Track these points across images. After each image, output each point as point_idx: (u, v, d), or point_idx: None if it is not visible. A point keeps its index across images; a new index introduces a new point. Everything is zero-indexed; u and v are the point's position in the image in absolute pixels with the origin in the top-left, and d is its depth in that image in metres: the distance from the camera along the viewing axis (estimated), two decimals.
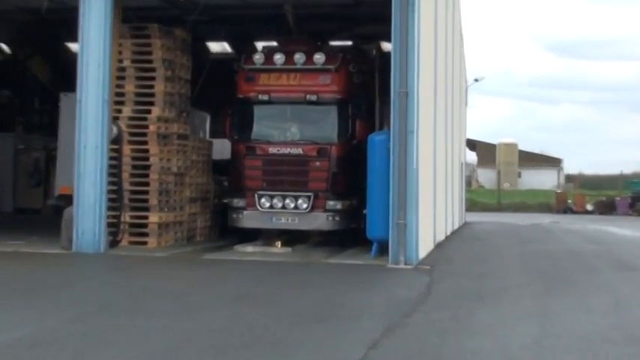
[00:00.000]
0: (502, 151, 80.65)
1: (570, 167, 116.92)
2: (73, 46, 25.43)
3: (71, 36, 20.81)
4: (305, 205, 19.92)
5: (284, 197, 20.01)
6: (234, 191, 20.79)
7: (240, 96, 20.65)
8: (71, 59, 21.69)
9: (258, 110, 20.76)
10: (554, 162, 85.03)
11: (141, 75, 20.37)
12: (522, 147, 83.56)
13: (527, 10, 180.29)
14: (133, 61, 20.30)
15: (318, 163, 20.09)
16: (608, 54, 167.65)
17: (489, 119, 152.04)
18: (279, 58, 20.26)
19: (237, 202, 20.41)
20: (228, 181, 22.03)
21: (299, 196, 19.95)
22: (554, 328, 10.90)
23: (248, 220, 20.30)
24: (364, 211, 18.60)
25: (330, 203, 19.97)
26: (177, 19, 21.75)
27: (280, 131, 20.75)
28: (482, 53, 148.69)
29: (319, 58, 20.12)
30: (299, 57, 20.12)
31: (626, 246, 25.08)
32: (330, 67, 20.16)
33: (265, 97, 20.40)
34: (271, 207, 20.05)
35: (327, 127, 20.46)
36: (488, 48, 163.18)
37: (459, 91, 31.29)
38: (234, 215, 20.47)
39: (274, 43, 22.45)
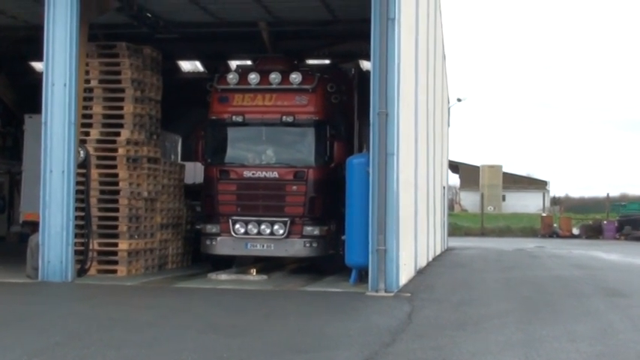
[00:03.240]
0: (486, 173, 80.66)
1: (556, 189, 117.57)
2: (38, 66, 25.02)
3: (36, 55, 20.40)
4: (281, 231, 19.54)
5: (259, 223, 19.64)
6: (208, 217, 20.37)
7: (213, 117, 20.27)
8: (36, 79, 21.20)
9: (231, 132, 20.37)
10: (539, 184, 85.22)
11: (109, 96, 20.02)
12: (507, 169, 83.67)
13: (511, 28, 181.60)
14: (101, 82, 19.97)
15: (294, 187, 19.71)
16: (595, 71, 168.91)
17: (472, 140, 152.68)
18: (253, 77, 19.92)
19: (211, 228, 20.01)
20: (201, 207, 21.59)
21: (275, 222, 19.58)
22: (538, 357, 10.64)
23: (221, 246, 19.88)
24: (343, 237, 18.13)
25: (308, 229, 19.62)
26: (146, 37, 21.36)
27: (255, 154, 20.32)
28: (465, 73, 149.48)
29: (295, 77, 19.80)
30: (274, 77, 19.81)
31: (613, 271, 24.97)
32: (307, 87, 19.80)
33: (239, 119, 20.00)
34: (246, 233, 19.69)
35: (304, 149, 20.10)
36: (471, 67, 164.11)
37: (440, 112, 31.09)
38: (208, 242, 20.05)
39: (249, 62, 22.03)
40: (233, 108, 20.00)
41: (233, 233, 19.67)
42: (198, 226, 21.16)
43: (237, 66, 21.98)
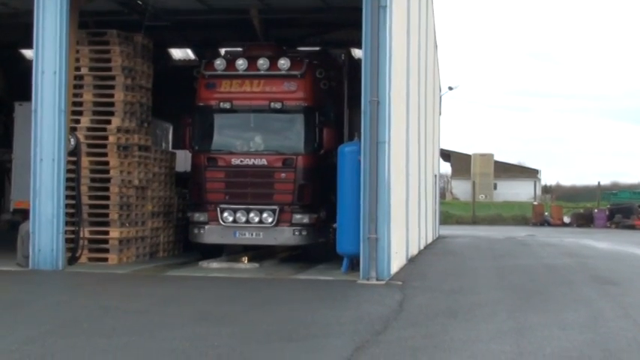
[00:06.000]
0: (477, 161, 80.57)
1: (547, 178, 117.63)
2: (28, 53, 24.86)
3: (26, 42, 20.25)
4: (270, 219, 19.34)
5: (248, 211, 19.42)
6: (196, 205, 20.16)
7: (201, 104, 20.03)
8: (26, 67, 21.07)
9: (219, 119, 20.14)
10: (530, 173, 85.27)
11: (99, 83, 19.89)
12: (498, 157, 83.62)
13: (505, 17, 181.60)
14: (91, 69, 19.84)
15: (283, 175, 19.52)
16: (586, 61, 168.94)
17: (464, 129, 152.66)
18: (241, 63, 19.67)
19: (199, 217, 19.82)
20: (189, 195, 21.40)
21: (264, 210, 19.37)
22: (529, 344, 10.63)
23: (210, 235, 19.69)
24: (334, 225, 18.06)
25: (297, 217, 19.43)
26: (137, 24, 21.22)
27: (243, 141, 20.08)
28: (457, 61, 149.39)
29: (284, 63, 19.56)
30: (262, 62, 19.58)
31: (604, 259, 24.96)
32: (296, 72, 19.58)
33: (227, 105, 19.77)
34: (234, 221, 19.46)
35: (292, 136, 19.90)
36: (463, 55, 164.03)
37: (432, 100, 31.03)
38: (196, 230, 19.87)
39: (239, 50, 21.84)
40: (220, 94, 19.77)
41: (221, 222, 19.45)
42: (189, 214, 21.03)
43: (226, 52, 21.61)
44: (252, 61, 19.62)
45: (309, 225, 19.51)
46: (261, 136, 19.94)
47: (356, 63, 20.74)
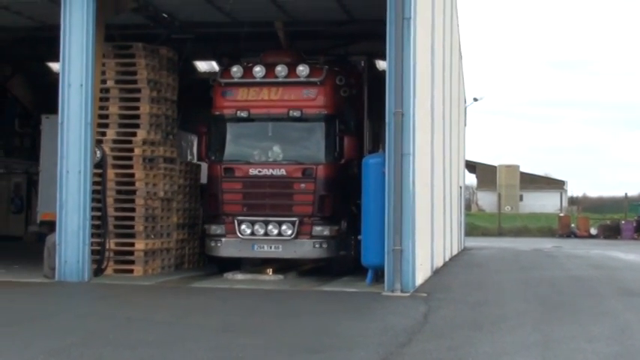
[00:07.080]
0: (503, 173, 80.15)
1: (574, 189, 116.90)
2: (55, 66, 25.09)
3: (53, 55, 20.44)
4: (289, 232, 18.82)
5: (266, 223, 18.89)
6: (212, 217, 19.69)
7: (217, 113, 19.54)
8: (53, 80, 21.25)
9: (236, 128, 19.65)
10: (557, 184, 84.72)
11: (125, 96, 19.99)
12: (524, 168, 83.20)
13: (529, 27, 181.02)
14: (117, 82, 19.94)
15: (303, 185, 19.00)
16: (611, 70, 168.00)
17: (490, 140, 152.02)
18: (258, 70, 19.19)
19: (215, 229, 19.29)
20: (206, 207, 20.87)
21: (283, 222, 18.84)
22: (555, 357, 10.59)
23: (227, 248, 19.18)
24: (358, 237, 17.85)
25: (317, 229, 18.87)
26: (162, 37, 21.31)
27: (261, 151, 19.55)
28: (483, 72, 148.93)
29: (303, 70, 19.07)
30: (280, 69, 19.10)
31: (631, 271, 24.74)
32: (315, 79, 19.07)
33: (244, 114, 19.28)
34: (252, 234, 18.94)
35: (312, 145, 19.38)
36: (489, 66, 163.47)
37: (457, 111, 30.93)
38: (212, 243, 19.33)
39: None
40: (237, 103, 19.27)
41: (239, 234, 18.97)
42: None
43: (242, 59, 20.80)
44: (269, 68, 19.16)
45: (330, 237, 18.97)
46: (279, 145, 19.41)
47: (376, 69, 20.49)
